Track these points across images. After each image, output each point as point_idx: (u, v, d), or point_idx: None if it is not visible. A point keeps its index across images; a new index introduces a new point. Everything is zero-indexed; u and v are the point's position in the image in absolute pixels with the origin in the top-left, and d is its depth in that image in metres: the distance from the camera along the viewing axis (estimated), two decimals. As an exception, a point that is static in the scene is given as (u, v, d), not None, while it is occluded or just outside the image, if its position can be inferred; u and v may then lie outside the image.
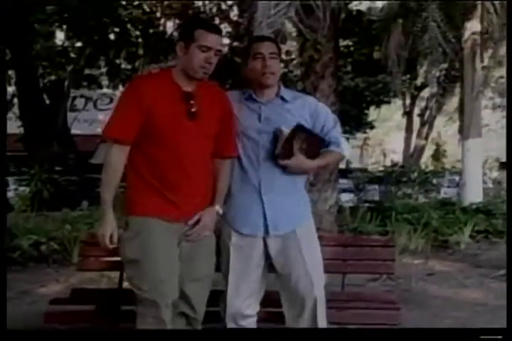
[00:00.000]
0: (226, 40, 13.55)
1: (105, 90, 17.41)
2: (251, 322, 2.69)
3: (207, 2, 11.44)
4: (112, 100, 18.96)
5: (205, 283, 2.59)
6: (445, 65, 14.52)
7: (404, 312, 3.15)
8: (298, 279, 2.63)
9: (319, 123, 2.72)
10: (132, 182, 2.48)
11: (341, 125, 2.86)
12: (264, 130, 2.66)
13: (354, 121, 20.34)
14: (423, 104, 21.19)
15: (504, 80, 16.74)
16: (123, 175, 2.47)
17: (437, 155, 24.63)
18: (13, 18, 9.73)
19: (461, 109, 12.26)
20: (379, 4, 13.64)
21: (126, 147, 2.42)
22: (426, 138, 21.06)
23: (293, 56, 13.55)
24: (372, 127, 23.53)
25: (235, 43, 12.80)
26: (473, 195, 10.59)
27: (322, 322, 2.65)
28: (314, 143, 2.66)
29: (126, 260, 2.47)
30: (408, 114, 21.30)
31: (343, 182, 13.25)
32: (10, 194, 10.23)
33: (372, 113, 22.26)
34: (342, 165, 14.80)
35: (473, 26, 9.82)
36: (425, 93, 20.30)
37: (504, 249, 7.45)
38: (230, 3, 12.51)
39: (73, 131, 14.78)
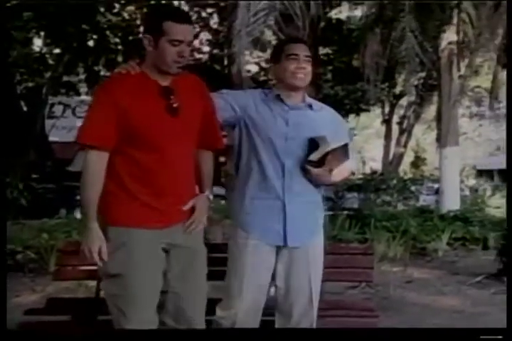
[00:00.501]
0: (206, 48, 13.58)
1: (84, 97, 17.30)
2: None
3: (186, 9, 11.45)
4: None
5: (200, 294, 2.39)
6: (423, 74, 14.72)
7: (382, 320, 3.15)
8: (298, 293, 2.57)
9: (338, 137, 2.61)
10: (111, 188, 2.24)
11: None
12: (292, 136, 2.54)
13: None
14: (402, 112, 21.43)
15: (480, 89, 17.01)
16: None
17: (416, 162, 24.90)
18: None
19: (438, 117, 12.42)
20: (358, 13, 13.78)
21: (105, 153, 2.22)
22: (405, 146, 21.28)
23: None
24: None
25: (215, 51, 12.83)
26: (451, 202, 10.71)
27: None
28: (341, 160, 2.60)
29: (106, 275, 2.25)
30: (387, 121, 21.51)
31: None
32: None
33: (352, 121, 22.43)
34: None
35: (449, 36, 9.96)
36: (404, 101, 20.54)
37: (481, 256, 7.55)
38: (210, 11, 12.54)
39: (51, 138, 14.64)
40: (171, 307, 2.31)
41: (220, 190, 9.06)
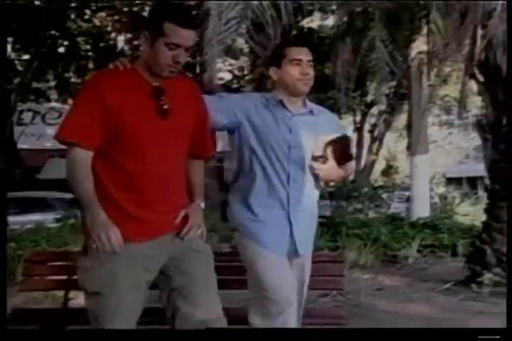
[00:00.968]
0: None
1: (54, 104, 17.07)
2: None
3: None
4: (61, 114, 18.61)
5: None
6: (394, 83, 14.91)
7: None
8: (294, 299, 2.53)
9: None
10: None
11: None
12: (296, 144, 2.49)
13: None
14: (373, 120, 21.66)
15: (449, 98, 17.30)
16: None
17: (387, 170, 25.14)
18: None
19: (409, 126, 12.58)
20: (330, 22, 13.91)
21: (89, 152, 2.05)
22: (376, 154, 21.50)
23: (245, 72, 13.63)
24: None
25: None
26: (421, 210, 10.85)
27: None
28: (345, 151, 2.57)
29: (85, 291, 2.12)
30: (359, 130, 21.70)
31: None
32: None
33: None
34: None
35: (419, 46, 10.12)
36: (375, 110, 20.76)
37: (449, 263, 7.65)
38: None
39: (20, 146, 14.42)
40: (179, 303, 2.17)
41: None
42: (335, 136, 2.49)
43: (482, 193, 13.14)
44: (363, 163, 21.54)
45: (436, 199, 15.64)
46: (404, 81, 11.27)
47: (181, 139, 2.19)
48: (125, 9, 10.75)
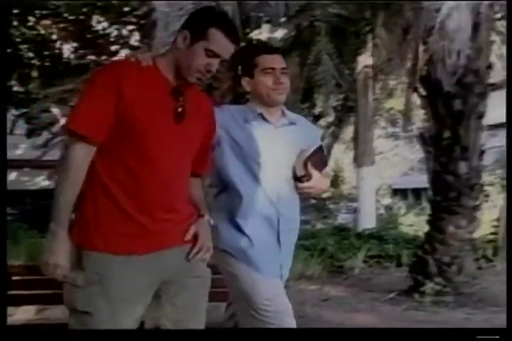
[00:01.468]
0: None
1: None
2: None
3: (106, 25, 11.29)
4: (4, 123, 18.11)
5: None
6: (341, 96, 15.17)
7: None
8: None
9: (314, 144, 2.46)
10: (92, 203, 1.87)
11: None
12: (282, 158, 2.34)
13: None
14: (321, 132, 21.94)
15: (395, 111, 17.70)
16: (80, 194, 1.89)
17: (335, 182, 25.45)
18: None
19: (355, 137, 12.81)
20: (279, 34, 14.06)
21: (93, 148, 1.86)
22: (324, 166, 21.72)
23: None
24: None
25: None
26: (367, 221, 11.02)
27: None
28: (323, 162, 2.48)
29: (72, 309, 1.87)
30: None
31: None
32: None
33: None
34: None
35: (365, 60, 10.35)
36: (323, 122, 21.02)
37: (394, 273, 7.78)
38: (130, 28, 12.42)
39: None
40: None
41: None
42: (311, 149, 2.38)
43: (426, 204, 13.46)
44: (311, 174, 21.72)
45: (382, 210, 15.92)
46: (351, 94, 11.47)
47: (190, 148, 2.03)
48: (71, 18, 10.58)
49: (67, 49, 11.33)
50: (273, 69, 2.34)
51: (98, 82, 1.89)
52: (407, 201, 17.82)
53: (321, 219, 13.56)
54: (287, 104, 2.57)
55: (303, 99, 11.18)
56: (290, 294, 3.07)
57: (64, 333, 1.96)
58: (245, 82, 2.43)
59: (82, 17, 10.43)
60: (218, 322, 2.60)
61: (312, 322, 4.99)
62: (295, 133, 2.41)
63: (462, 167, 6.19)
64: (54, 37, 11.23)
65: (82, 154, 1.84)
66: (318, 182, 2.39)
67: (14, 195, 11.98)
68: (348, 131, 20.27)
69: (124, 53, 13.84)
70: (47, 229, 1.86)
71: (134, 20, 11.59)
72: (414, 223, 11.78)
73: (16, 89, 11.37)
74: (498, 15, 6.85)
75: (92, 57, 11.01)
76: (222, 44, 1.93)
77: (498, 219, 9.01)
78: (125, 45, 12.18)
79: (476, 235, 6.84)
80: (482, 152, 6.44)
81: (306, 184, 2.35)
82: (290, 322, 2.33)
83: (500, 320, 3.65)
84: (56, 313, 4.01)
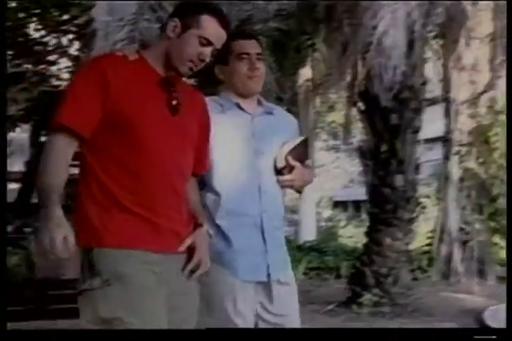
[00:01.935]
0: (66, 75, 13.15)
1: None
2: None
3: (44, 33, 11.05)
4: None
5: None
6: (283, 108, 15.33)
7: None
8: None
9: (293, 136, 2.33)
10: (92, 201, 1.80)
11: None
12: (261, 149, 2.20)
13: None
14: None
15: (336, 125, 18.03)
16: (76, 195, 1.84)
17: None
18: None
19: (296, 150, 12.93)
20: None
21: (75, 143, 1.80)
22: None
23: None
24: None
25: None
26: (308, 233, 11.13)
27: None
28: (305, 157, 2.33)
29: (97, 320, 1.72)
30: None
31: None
32: None
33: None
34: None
35: (306, 73, 10.50)
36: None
37: (333, 284, 7.87)
38: (70, 37, 12.21)
39: None
40: None
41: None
42: (294, 142, 2.28)
43: (365, 216, 13.73)
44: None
45: (323, 223, 16.13)
46: (292, 107, 11.60)
47: (188, 142, 1.94)
48: (7, 24, 10.32)
49: (7, 55, 11.05)
50: (248, 54, 2.22)
51: (83, 75, 1.86)
52: (348, 213, 18.14)
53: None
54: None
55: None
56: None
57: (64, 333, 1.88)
58: (218, 70, 2.29)
59: (18, 23, 10.17)
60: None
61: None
62: (273, 123, 2.30)
63: (399, 180, 6.35)
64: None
65: (63, 146, 1.78)
66: (301, 173, 2.27)
67: None
68: (290, 144, 20.53)
69: (63, 63, 13.57)
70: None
71: (73, 29, 11.40)
72: (354, 235, 11.98)
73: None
74: (432, 34, 7.11)
75: (29, 66, 10.72)
76: (215, 31, 1.88)
77: (433, 231, 9.26)
78: (64, 54, 11.95)
79: (411, 247, 7.01)
80: (418, 165, 6.63)
81: (287, 176, 2.24)
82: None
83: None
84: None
